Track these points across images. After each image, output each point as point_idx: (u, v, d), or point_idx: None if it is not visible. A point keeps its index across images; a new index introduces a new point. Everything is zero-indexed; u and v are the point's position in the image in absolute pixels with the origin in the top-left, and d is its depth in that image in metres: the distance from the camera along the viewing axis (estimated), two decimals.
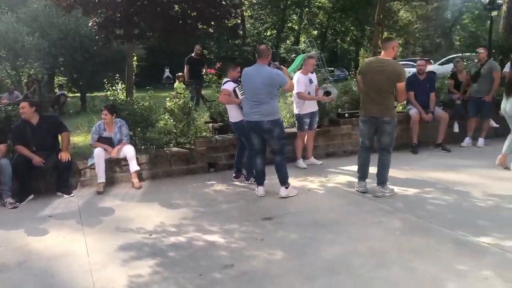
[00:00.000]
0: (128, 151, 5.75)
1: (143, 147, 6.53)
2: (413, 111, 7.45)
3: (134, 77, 8.72)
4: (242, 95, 5.63)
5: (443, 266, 3.25)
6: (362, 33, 41.24)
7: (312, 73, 6.73)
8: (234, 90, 5.66)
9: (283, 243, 3.82)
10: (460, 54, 13.97)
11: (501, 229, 3.95)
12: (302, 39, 41.08)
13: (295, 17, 40.79)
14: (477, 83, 7.62)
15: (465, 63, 8.91)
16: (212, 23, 8.13)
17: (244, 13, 40.75)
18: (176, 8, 7.02)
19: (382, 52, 5.13)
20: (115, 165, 6.00)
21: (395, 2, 40.56)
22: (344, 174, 6.14)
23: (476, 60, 7.94)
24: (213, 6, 7.04)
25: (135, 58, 7.87)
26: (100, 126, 5.87)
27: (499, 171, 5.98)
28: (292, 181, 5.73)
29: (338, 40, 43.15)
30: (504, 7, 12.50)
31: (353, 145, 7.30)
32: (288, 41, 40.99)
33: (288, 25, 40.31)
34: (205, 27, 8.17)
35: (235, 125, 5.79)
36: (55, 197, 5.46)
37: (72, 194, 5.50)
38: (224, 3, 6.88)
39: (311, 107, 6.52)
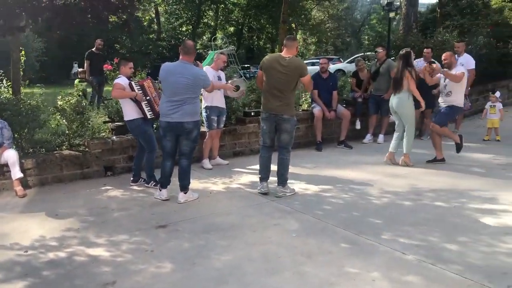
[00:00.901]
0: (10, 156, 5.16)
1: (31, 150, 5.93)
2: (317, 109, 7.54)
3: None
4: (139, 91, 5.29)
5: (333, 269, 3.21)
6: (276, 31, 41.92)
7: (222, 70, 6.55)
8: (130, 85, 5.29)
9: (173, 254, 3.57)
10: (362, 54, 14.52)
11: (391, 226, 4.02)
12: (218, 35, 40.90)
13: (211, 13, 40.41)
14: (377, 81, 7.89)
15: (367, 62, 9.21)
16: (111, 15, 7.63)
17: (159, 8, 39.77)
18: None
19: (285, 50, 5.06)
20: None
21: (308, 1, 41.72)
22: (249, 174, 6.02)
23: (376, 59, 8.22)
24: None
25: (22, 52, 7.14)
26: None
27: (395, 168, 6.21)
28: (195, 183, 5.54)
29: (254, 37, 43.45)
30: (403, 9, 13.18)
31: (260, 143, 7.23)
32: (204, 37, 40.55)
33: (204, 21, 39.84)
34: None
35: (131, 124, 5.41)
36: None
37: None
38: None
39: (219, 101, 6.33)
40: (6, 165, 5.26)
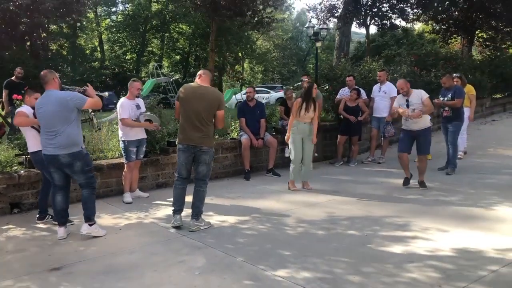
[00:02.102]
0: None
1: None
2: (244, 138, 7.45)
3: None
4: None
5: None
6: (223, 59, 42.28)
7: (139, 98, 6.33)
8: (35, 115, 4.95)
9: None
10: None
11: (299, 258, 3.90)
12: (165, 63, 40.66)
13: (156, 42, 40.24)
14: None
15: (295, 91, 9.29)
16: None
17: (102, 36, 39.13)
18: None
19: (200, 80, 4.95)
20: None
21: (254, 32, 42.57)
22: (169, 207, 5.69)
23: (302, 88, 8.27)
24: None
25: None
26: None
27: (316, 196, 6.16)
28: (107, 219, 5.26)
29: (200, 66, 43.56)
30: (336, 39, 13.59)
31: None
32: (150, 65, 40.19)
33: (149, 49, 39.56)
34: None
35: (34, 156, 5.07)
36: None
37: None
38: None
39: (139, 134, 6.08)
40: None
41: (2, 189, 5.54)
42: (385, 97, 8.23)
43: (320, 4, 14.91)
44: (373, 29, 18.54)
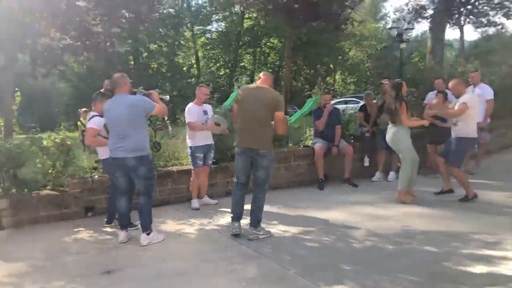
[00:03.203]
0: None
1: (14, 190, 5.80)
2: (317, 145, 7.07)
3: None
4: None
5: None
6: (314, 71, 41.95)
7: (207, 103, 6.29)
8: (105, 126, 5.07)
9: None
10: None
11: (360, 274, 3.46)
12: (256, 78, 41.33)
13: (248, 57, 41.16)
14: (383, 114, 7.34)
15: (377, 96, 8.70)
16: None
17: (198, 53, 40.99)
18: None
19: (259, 81, 4.76)
20: None
21: (347, 42, 41.80)
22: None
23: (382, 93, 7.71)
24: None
25: (18, 93, 7.23)
26: None
27: (392, 208, 5.58)
28: (170, 224, 5.23)
29: (291, 79, 43.65)
30: (428, 43, 12.68)
31: None
32: (243, 81, 41.15)
33: (241, 64, 40.56)
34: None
35: (104, 163, 5.20)
36: None
37: None
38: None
39: (205, 139, 6.01)
40: None
41: (77, 193, 5.77)
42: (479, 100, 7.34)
43: (407, 4, 14.06)
44: (475, 35, 17.15)
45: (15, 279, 3.74)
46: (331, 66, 42.55)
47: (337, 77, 46.00)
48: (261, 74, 4.87)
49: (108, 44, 7.08)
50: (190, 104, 6.06)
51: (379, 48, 47.37)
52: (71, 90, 21.96)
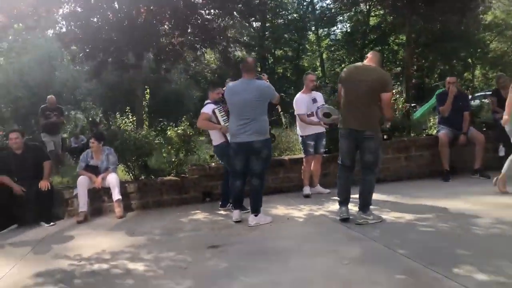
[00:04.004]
0: (111, 179, 5.60)
1: (143, 177, 6.37)
2: (442, 132, 6.49)
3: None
4: (223, 120, 5.26)
5: None
6: (449, 67, 38.95)
7: (316, 91, 6.20)
8: (214, 113, 5.31)
9: (203, 273, 3.29)
10: None
11: (478, 259, 3.06)
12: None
13: None
14: None
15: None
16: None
17: (323, 55, 40.92)
18: None
19: (366, 60, 4.54)
20: (103, 194, 5.87)
21: (487, 33, 38.08)
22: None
23: None
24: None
25: (147, 90, 7.91)
26: (88, 154, 5.83)
27: None
28: (280, 209, 5.25)
29: (422, 76, 41.11)
30: None
31: None
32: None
33: None
34: None
35: (216, 148, 5.42)
36: (37, 227, 5.41)
37: (52, 223, 5.41)
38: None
39: (315, 128, 5.92)
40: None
41: (196, 179, 6.10)
42: None
43: None
44: None
45: (134, 249, 4.06)
46: (470, 60, 39.07)
47: (476, 72, 42.10)
48: (369, 54, 4.62)
49: (223, 39, 7.42)
50: (298, 95, 6.02)
51: None
52: (201, 94, 23.58)
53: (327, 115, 5.78)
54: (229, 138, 5.04)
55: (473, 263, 3.00)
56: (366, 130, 4.27)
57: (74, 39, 6.99)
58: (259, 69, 37.08)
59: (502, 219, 4.05)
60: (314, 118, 5.79)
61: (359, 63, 4.63)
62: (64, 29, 8.16)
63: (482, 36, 37.16)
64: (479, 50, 38.26)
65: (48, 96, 8.93)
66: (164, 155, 6.69)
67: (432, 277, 2.81)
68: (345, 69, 4.60)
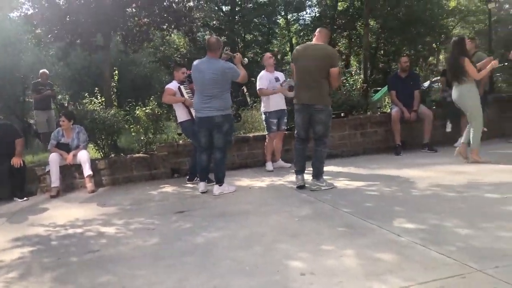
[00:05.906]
0: (81, 155, 5.86)
1: (113, 155, 6.64)
2: (394, 110, 7.00)
3: None
4: (189, 97, 5.59)
5: (309, 246, 2.94)
6: (415, 52, 39.98)
7: (279, 71, 6.59)
8: (180, 89, 5.63)
9: (169, 232, 3.66)
10: None
11: (409, 214, 3.54)
12: (352, 62, 40.54)
13: (342, 41, 40.41)
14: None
15: None
16: None
17: (293, 40, 41.31)
18: None
19: (315, 38, 4.93)
20: (75, 171, 6.13)
21: (450, 19, 39.12)
22: (306, 175, 5.78)
23: None
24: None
25: (116, 72, 8.11)
26: (58, 132, 6.05)
27: (465, 166, 5.40)
28: (244, 181, 5.63)
29: (389, 61, 42.03)
30: None
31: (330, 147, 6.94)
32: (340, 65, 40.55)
33: (336, 48, 39.92)
34: None
35: (182, 125, 5.75)
36: (10, 202, 5.64)
37: (25, 199, 5.65)
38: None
39: (278, 105, 6.30)
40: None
41: (165, 156, 6.42)
42: None
43: None
44: None
45: (105, 217, 4.38)
46: (434, 45, 40.17)
47: (441, 56, 43.33)
48: (316, 31, 5.00)
49: (189, 21, 7.67)
50: (262, 72, 6.39)
51: (487, 24, 43.70)
52: (171, 77, 23.68)
53: (291, 88, 6.19)
54: (193, 114, 5.38)
55: (404, 216, 3.47)
56: (317, 104, 4.68)
57: (42, 19, 7.13)
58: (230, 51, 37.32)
59: (438, 183, 4.56)
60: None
61: (308, 43, 5.04)
62: (31, 11, 8.26)
63: (446, 21, 38.18)
64: (442, 35, 39.28)
65: (41, 71, 8.88)
66: (133, 134, 6.98)
67: (367, 228, 3.26)
68: (295, 49, 5.01)
